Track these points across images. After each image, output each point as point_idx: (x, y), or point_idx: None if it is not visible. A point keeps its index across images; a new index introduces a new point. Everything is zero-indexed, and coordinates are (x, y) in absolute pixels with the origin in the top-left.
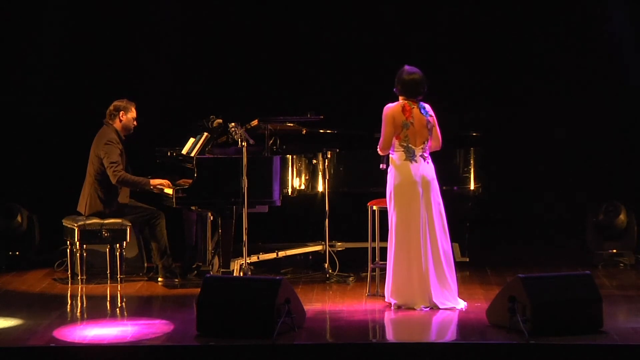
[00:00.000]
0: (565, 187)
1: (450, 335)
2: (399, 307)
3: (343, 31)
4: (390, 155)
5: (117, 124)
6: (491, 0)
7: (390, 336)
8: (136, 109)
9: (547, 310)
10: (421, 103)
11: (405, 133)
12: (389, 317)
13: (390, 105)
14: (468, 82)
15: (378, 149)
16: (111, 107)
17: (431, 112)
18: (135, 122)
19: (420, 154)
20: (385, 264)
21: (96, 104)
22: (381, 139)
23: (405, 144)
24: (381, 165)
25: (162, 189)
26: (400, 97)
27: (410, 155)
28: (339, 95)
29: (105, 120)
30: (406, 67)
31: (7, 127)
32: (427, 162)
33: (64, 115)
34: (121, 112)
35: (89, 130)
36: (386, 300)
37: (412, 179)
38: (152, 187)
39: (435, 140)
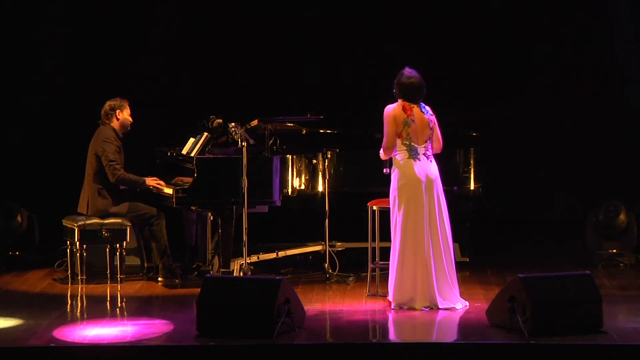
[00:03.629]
0: (565, 187)
1: (450, 336)
2: (400, 307)
3: (343, 31)
4: (393, 157)
5: (115, 123)
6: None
7: (390, 336)
8: (129, 106)
9: (547, 310)
10: (421, 103)
11: (407, 131)
12: (389, 317)
13: (390, 105)
14: (468, 82)
15: (381, 152)
16: (106, 107)
17: (432, 113)
18: (130, 119)
19: (423, 152)
20: (387, 264)
21: (96, 104)
22: (384, 140)
23: (407, 142)
24: (384, 170)
25: (161, 189)
26: (399, 100)
27: (413, 154)
28: (339, 95)
29: (102, 120)
30: (406, 70)
31: (7, 127)
32: (431, 161)
33: (64, 115)
34: (117, 111)
35: (88, 130)
36: (389, 298)
37: (416, 178)
38: (148, 186)
39: (436, 142)
